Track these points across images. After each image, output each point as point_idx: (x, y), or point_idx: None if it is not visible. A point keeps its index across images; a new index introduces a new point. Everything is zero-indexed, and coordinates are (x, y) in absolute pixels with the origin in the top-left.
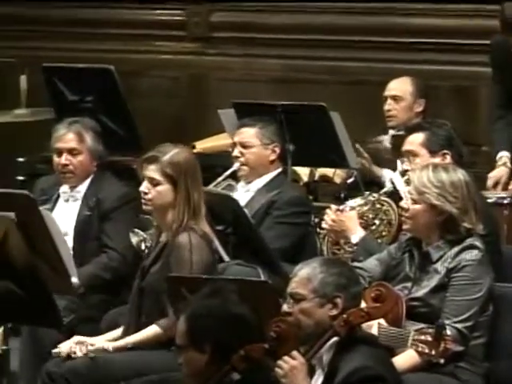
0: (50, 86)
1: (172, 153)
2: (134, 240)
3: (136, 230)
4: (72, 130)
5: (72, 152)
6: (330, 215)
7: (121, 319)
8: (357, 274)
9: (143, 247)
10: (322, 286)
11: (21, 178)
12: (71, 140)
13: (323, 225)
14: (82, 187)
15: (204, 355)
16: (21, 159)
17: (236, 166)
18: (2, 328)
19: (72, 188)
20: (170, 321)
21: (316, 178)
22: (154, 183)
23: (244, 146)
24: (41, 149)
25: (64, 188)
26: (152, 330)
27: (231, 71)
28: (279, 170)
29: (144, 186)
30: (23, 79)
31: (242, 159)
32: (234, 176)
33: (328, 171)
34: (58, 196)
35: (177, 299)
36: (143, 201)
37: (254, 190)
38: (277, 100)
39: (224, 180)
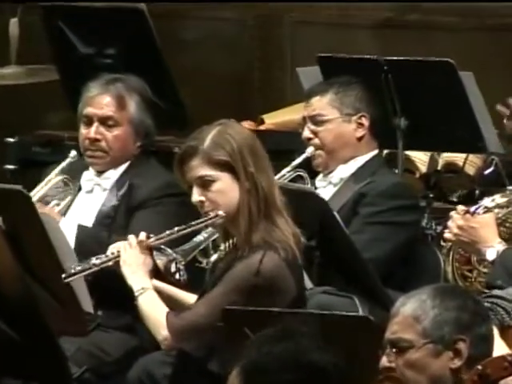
0: (52, 33)
1: (214, 132)
2: (161, 261)
3: (163, 247)
4: (110, 91)
5: (107, 122)
6: (457, 220)
7: (156, 369)
8: (484, 306)
9: (173, 269)
10: (435, 326)
11: (11, 166)
12: (107, 105)
13: (446, 234)
14: (114, 173)
15: None
16: (10, 139)
17: (309, 151)
18: None
19: (100, 174)
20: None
21: (439, 167)
22: (206, 183)
23: (316, 121)
24: (40, 124)
25: (88, 174)
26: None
27: (316, 13)
28: (374, 151)
29: (195, 194)
30: (14, 24)
31: (315, 141)
32: (310, 167)
33: (456, 157)
34: (80, 188)
35: (235, 341)
36: (205, 216)
37: (338, 183)
38: (382, 54)
39: (291, 171)
